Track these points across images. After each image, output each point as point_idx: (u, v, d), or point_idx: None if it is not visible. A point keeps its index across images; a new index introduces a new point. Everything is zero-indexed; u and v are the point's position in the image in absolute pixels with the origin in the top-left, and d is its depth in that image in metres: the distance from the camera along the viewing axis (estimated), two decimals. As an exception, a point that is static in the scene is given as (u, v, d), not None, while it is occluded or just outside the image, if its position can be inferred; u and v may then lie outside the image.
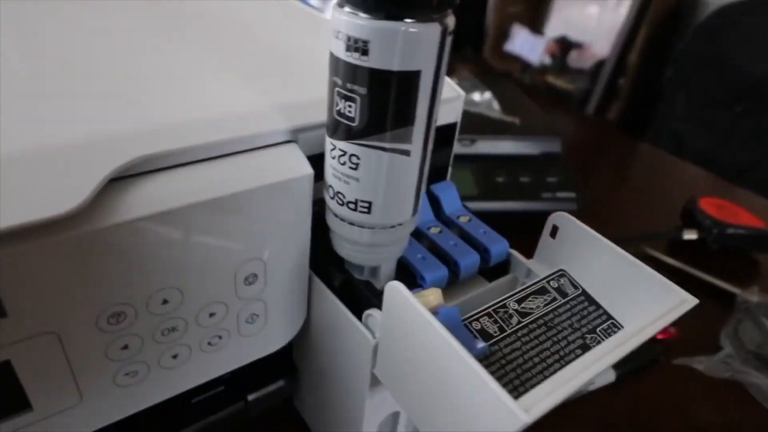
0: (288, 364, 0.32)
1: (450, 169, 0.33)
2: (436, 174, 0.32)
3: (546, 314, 0.25)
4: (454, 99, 0.30)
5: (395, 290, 0.21)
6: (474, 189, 0.53)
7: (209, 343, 0.26)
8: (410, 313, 0.21)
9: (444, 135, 0.31)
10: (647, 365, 0.43)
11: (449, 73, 0.22)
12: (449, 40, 0.20)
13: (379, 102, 0.20)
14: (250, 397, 0.31)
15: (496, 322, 0.24)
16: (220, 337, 0.26)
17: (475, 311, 0.24)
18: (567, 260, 0.27)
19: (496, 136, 0.56)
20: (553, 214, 0.28)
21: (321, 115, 0.23)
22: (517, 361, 0.23)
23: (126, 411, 0.25)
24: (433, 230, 0.29)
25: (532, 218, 0.56)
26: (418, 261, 0.27)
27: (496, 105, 0.60)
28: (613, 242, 0.25)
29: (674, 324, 0.22)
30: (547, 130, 0.59)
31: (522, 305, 0.25)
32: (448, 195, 0.31)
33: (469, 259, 0.27)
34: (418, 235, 0.29)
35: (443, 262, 0.27)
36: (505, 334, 0.24)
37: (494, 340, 0.23)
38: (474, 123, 0.58)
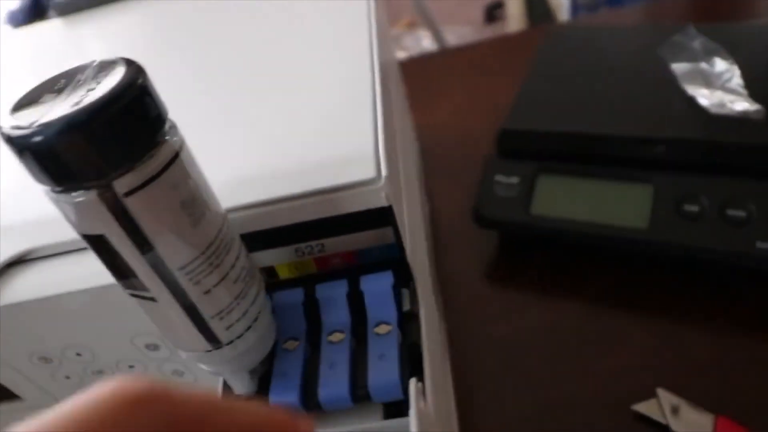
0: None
1: (406, 248, 0.26)
2: (373, 264, 0.26)
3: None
4: (367, 183, 0.23)
5: None
6: (643, 219, 0.39)
7: (144, 384, 0.30)
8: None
9: (373, 222, 0.25)
10: None
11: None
12: (137, 200, 0.17)
13: (96, 254, 0.19)
14: None
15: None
16: (153, 381, 0.30)
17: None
18: None
19: (701, 138, 0.38)
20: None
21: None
22: None
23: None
24: (335, 337, 0.25)
25: (739, 278, 0.38)
26: (280, 377, 0.24)
27: (737, 81, 0.40)
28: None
29: None
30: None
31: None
32: (377, 292, 0.25)
33: (332, 389, 0.23)
34: (318, 339, 0.25)
35: (313, 382, 0.24)
36: None
37: None
38: (677, 114, 0.40)
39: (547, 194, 0.42)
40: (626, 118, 0.41)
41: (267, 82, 0.31)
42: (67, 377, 0.29)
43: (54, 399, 0.31)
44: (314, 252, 0.27)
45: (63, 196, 0.17)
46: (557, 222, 0.41)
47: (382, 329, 0.25)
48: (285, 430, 0.14)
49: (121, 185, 0.17)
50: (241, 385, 0.25)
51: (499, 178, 0.43)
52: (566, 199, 0.41)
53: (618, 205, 0.40)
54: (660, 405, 0.34)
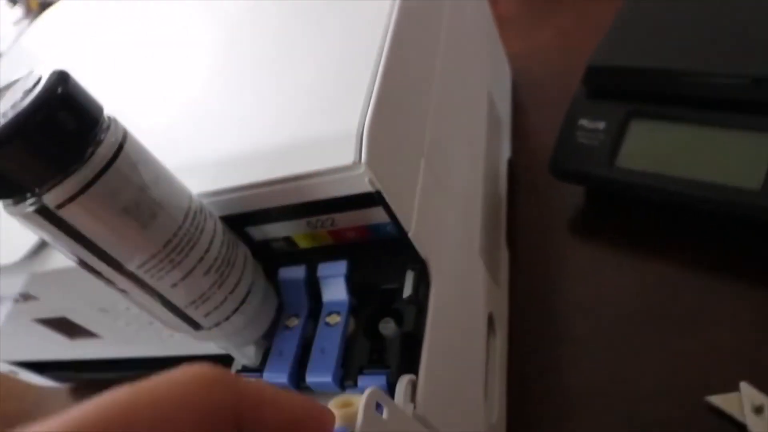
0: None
1: (409, 229, 0.24)
2: (388, 240, 0.25)
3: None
4: (346, 169, 0.21)
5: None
6: (756, 177, 0.31)
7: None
8: None
9: (368, 202, 0.23)
10: None
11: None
12: (70, 211, 0.17)
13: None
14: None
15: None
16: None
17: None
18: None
19: None
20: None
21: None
22: None
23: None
24: (332, 319, 0.24)
25: None
26: (276, 355, 0.24)
27: None
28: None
29: None
30: None
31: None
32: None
33: (319, 376, 0.23)
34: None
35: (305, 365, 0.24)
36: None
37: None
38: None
39: (637, 144, 0.36)
40: (740, 50, 0.33)
41: (264, 54, 0.30)
42: (127, 324, 0.33)
43: (124, 340, 0.35)
44: (326, 225, 0.27)
45: (10, 209, 0.18)
46: (647, 177, 0.35)
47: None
48: (318, 423, 0.16)
49: (50, 199, 0.17)
50: (244, 358, 0.25)
51: (583, 122, 0.38)
52: (660, 150, 0.35)
53: (725, 159, 0.33)
54: (741, 401, 0.29)
